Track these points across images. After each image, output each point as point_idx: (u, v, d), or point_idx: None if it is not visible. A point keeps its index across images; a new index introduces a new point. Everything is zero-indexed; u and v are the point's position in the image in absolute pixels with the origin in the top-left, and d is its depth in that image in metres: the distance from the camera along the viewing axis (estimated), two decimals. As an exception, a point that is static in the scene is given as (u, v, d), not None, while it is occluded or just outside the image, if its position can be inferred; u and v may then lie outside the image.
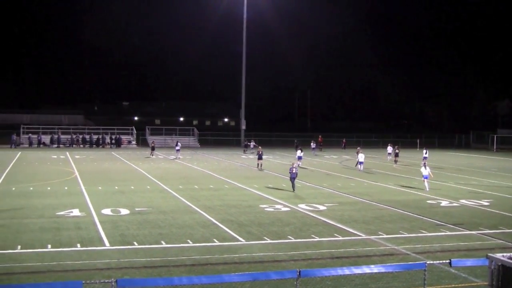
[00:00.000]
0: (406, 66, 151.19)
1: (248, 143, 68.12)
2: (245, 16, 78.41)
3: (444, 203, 28.68)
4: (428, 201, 29.05)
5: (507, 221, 23.88)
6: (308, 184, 35.46)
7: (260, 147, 51.41)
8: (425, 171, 33.82)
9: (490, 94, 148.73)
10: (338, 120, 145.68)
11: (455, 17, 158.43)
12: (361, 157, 45.74)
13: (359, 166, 45.28)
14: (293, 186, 31.96)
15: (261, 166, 45.04)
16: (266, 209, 25.90)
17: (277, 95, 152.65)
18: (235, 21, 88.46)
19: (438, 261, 14.78)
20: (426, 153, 52.69)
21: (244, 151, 66.56)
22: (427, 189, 33.13)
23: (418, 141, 74.56)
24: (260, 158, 45.64)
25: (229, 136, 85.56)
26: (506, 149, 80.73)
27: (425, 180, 33.73)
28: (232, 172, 42.96)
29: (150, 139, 70.39)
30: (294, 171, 31.87)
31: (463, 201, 29.40)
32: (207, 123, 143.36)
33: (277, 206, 26.63)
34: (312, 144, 66.38)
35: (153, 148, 58.58)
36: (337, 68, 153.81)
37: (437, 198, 30.30)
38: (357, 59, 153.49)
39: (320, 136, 74.91)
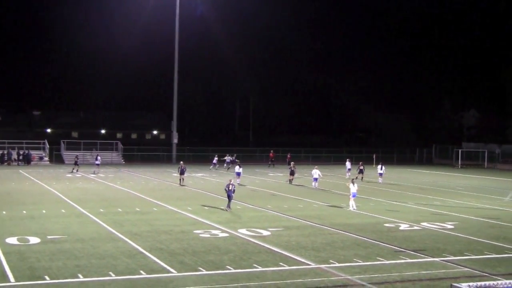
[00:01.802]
0: (362, 73, 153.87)
1: (229, 159, 68.13)
2: (177, 13, 78.31)
3: (403, 226, 29.16)
4: (386, 225, 29.49)
5: (473, 246, 24.44)
6: (249, 205, 35.49)
7: (238, 161, 53.59)
8: (353, 188, 34.86)
9: (455, 104, 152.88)
10: (285, 133, 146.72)
11: (418, 24, 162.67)
12: (315, 173, 48.07)
13: (315, 183, 48.03)
14: (228, 204, 33.20)
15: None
16: (201, 235, 25.76)
17: (215, 105, 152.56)
18: (167, 21, 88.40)
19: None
20: (381, 168, 54.49)
21: (215, 166, 67.27)
22: (352, 208, 34.43)
23: (374, 156, 75.75)
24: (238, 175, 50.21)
25: (158, 151, 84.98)
26: (471, 165, 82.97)
27: (352, 198, 34.82)
28: (162, 192, 42.63)
29: (70, 154, 69.56)
30: (230, 188, 33.07)
31: (424, 224, 29.95)
32: (134, 136, 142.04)
33: (214, 232, 26.52)
34: (227, 157, 67.49)
35: (76, 163, 59.42)
36: (283, 76, 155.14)
37: (396, 221, 30.79)
38: (307, 66, 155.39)
39: (271, 151, 75.37)
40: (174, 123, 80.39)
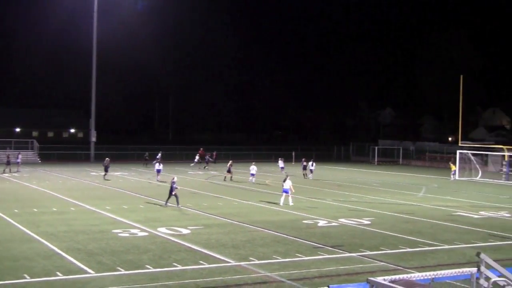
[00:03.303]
0: (282, 72, 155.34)
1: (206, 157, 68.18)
2: (95, 9, 77.06)
3: (322, 222, 29.57)
4: (305, 221, 29.84)
5: (389, 241, 25.03)
6: (169, 204, 35.26)
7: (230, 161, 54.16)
8: (286, 185, 35.50)
9: (372, 102, 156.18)
10: (206, 131, 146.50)
11: (337, 23, 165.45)
12: (252, 169, 51.14)
13: (252, 178, 50.70)
14: (167, 200, 34.20)
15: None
16: (120, 234, 25.45)
17: (134, 102, 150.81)
18: (85, 17, 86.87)
19: (315, 288, 15.18)
20: (312, 165, 56.18)
21: (204, 167, 66.82)
22: (281, 204, 35.41)
23: (293, 153, 76.57)
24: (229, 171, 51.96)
25: (76, 150, 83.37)
26: (387, 162, 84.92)
27: (284, 194, 35.65)
28: (80, 192, 41.88)
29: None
30: (174, 186, 33.98)
31: (342, 220, 30.47)
32: (50, 134, 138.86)
33: (133, 231, 26.25)
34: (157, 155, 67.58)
35: (8, 163, 58.19)
36: (203, 74, 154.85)
37: (315, 217, 31.20)
38: (227, 64, 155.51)
39: (201, 148, 75.06)
40: (92, 121, 79.05)
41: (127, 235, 25.40)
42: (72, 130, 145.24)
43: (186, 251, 22.46)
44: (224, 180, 51.93)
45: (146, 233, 25.78)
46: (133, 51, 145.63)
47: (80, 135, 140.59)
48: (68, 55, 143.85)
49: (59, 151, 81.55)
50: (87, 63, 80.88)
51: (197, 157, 67.81)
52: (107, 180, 50.53)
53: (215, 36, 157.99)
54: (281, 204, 35.56)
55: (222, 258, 21.38)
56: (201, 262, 20.68)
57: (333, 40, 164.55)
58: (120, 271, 19.25)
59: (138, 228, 27.06)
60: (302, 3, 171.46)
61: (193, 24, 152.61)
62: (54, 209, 32.68)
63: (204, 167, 66.56)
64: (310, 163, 56.71)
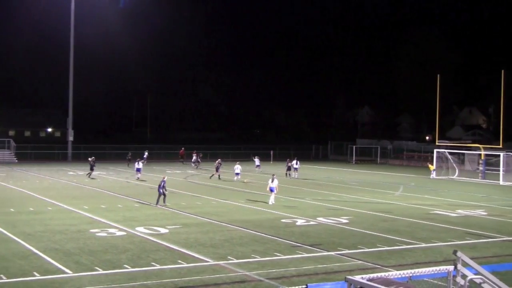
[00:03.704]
0: (261, 71, 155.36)
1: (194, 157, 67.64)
2: (72, 8, 76.55)
3: (300, 221, 29.63)
4: (283, 220, 29.88)
5: (367, 240, 25.15)
6: (147, 203, 35.15)
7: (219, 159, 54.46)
8: (273, 184, 35.77)
9: (350, 101, 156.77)
10: (184, 130, 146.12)
11: (313, 23, 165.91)
12: (237, 168, 51.68)
13: (236, 177, 51.47)
14: (164, 200, 34.31)
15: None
16: (98, 234, 25.32)
17: (112, 101, 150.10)
18: (63, 13, 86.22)
19: (294, 287, 15.21)
20: (297, 163, 56.57)
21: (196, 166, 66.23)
22: (271, 203, 35.46)
23: (271, 152, 76.70)
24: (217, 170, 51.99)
25: (53, 149, 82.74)
26: (365, 161, 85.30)
27: (272, 192, 35.87)
28: (58, 191, 41.59)
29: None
30: (163, 185, 34.26)
31: (321, 219, 30.56)
32: (27, 134, 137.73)
33: (111, 230, 26.13)
34: (144, 155, 67.40)
35: None
36: (182, 72, 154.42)
37: (293, 216, 31.26)
38: (205, 63, 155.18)
39: (182, 148, 74.83)
40: (70, 120, 78.51)
41: (105, 234, 25.28)
42: (49, 130, 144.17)
43: (164, 250, 22.40)
44: (211, 177, 51.90)
45: (124, 233, 25.67)
46: (111, 51, 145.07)
47: (58, 134, 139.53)
48: (45, 54, 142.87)
49: (36, 150, 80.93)
50: (64, 62, 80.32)
51: (194, 157, 66.85)
52: (93, 179, 50.66)
53: (194, 36, 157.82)
54: (270, 203, 35.74)
55: (201, 257, 21.35)
56: (179, 261, 20.64)
57: (311, 39, 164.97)
58: (98, 271, 19.15)
59: (116, 227, 26.94)
60: (279, 2, 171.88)
61: (171, 24, 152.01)
62: (31, 209, 32.43)
63: (196, 167, 66.34)
64: (294, 162, 56.87)
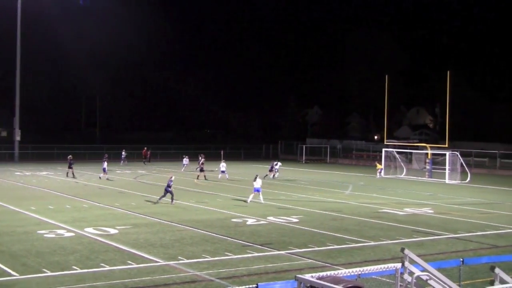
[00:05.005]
0: (211, 71, 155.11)
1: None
2: (19, 7, 75.24)
3: (250, 221, 29.70)
4: (234, 220, 29.91)
5: (317, 238, 25.34)
6: (96, 204, 34.80)
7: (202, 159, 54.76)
8: (257, 184, 36.23)
9: (300, 101, 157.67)
10: (133, 130, 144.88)
11: (266, 24, 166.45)
12: (222, 166, 52.77)
13: (223, 175, 52.49)
14: (172, 198, 35.36)
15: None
16: (46, 235, 24.95)
17: (60, 101, 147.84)
18: (8, 11, 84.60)
19: (244, 286, 15.21)
20: (277, 164, 56.86)
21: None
22: (249, 201, 36.27)
23: (222, 152, 76.44)
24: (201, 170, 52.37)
25: (0, 149, 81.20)
26: (315, 160, 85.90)
27: (258, 193, 36.36)
28: (4, 192, 40.84)
29: None
30: (171, 184, 35.30)
31: (271, 218, 30.67)
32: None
33: (60, 231, 25.79)
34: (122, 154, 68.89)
35: None
36: (131, 74, 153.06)
37: (243, 216, 31.30)
38: (155, 64, 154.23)
39: (145, 148, 74.20)
40: (17, 119, 77.11)
41: (53, 236, 24.93)
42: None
43: (114, 251, 22.20)
44: (197, 179, 51.67)
45: (72, 234, 25.36)
46: (59, 50, 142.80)
47: (4, 134, 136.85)
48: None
49: (-19, 150, 79.32)
50: (11, 60, 78.82)
51: (185, 160, 65.24)
52: (74, 178, 50.95)
53: (142, 35, 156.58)
54: (248, 202, 36.35)
55: (151, 257, 21.23)
56: (129, 262, 20.48)
57: (262, 39, 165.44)
58: (46, 273, 18.89)
59: (65, 228, 26.59)
60: (232, 4, 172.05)
61: (119, 23, 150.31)
62: (-23, 210, 31.80)
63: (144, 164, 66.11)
64: (275, 162, 57.34)
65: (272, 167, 56.80)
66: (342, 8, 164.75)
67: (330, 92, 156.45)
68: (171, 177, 36.15)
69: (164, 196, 35.37)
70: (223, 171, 52.94)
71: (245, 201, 36.97)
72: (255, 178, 36.93)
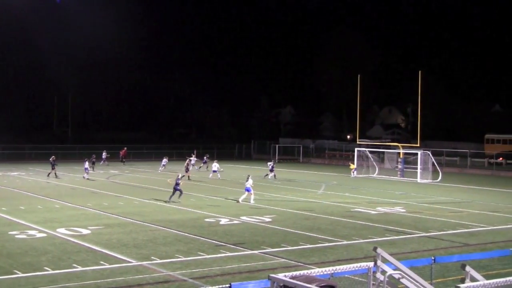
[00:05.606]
0: (183, 70, 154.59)
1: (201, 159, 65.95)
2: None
3: (223, 220, 29.70)
4: (207, 220, 29.89)
5: (290, 238, 25.42)
6: (68, 204, 34.55)
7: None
8: (248, 183, 36.38)
9: (273, 100, 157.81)
10: (105, 130, 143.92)
11: (238, 22, 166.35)
12: (214, 166, 53.56)
13: (214, 174, 53.28)
14: (180, 196, 35.89)
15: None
16: (17, 236, 24.74)
17: (32, 100, 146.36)
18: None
19: (217, 286, 15.21)
20: (271, 165, 56.75)
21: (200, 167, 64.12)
22: (240, 201, 36.38)
23: (194, 151, 76.36)
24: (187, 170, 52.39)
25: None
26: (287, 160, 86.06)
27: (248, 192, 36.43)
28: (-26, 193, 40.39)
29: None
30: (179, 182, 35.99)
31: (244, 218, 30.70)
32: None
33: (31, 232, 25.57)
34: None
35: None
36: (103, 70, 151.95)
37: (216, 215, 31.29)
38: (127, 63, 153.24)
39: (124, 148, 73.59)
40: (-13, 119, 76.36)
41: (24, 236, 24.72)
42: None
43: (86, 251, 22.08)
44: (189, 179, 51.35)
45: (44, 234, 25.17)
46: (31, 48, 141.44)
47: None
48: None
49: (-49, 150, 78.33)
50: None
51: (164, 160, 64.57)
52: (58, 178, 50.72)
53: (116, 33, 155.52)
54: (240, 201, 36.40)
55: (124, 258, 21.16)
56: (102, 262, 20.39)
57: (234, 38, 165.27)
58: (18, 274, 18.73)
59: (36, 229, 26.37)
60: (205, 1, 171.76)
61: (93, 21, 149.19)
62: None
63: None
64: (269, 163, 57.65)
65: (272, 167, 56.80)
66: (315, 8, 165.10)
67: (303, 91, 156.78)
68: (178, 175, 36.90)
69: (173, 194, 35.76)
70: (214, 171, 53.55)
71: (237, 201, 36.94)
72: (247, 178, 37.01)
